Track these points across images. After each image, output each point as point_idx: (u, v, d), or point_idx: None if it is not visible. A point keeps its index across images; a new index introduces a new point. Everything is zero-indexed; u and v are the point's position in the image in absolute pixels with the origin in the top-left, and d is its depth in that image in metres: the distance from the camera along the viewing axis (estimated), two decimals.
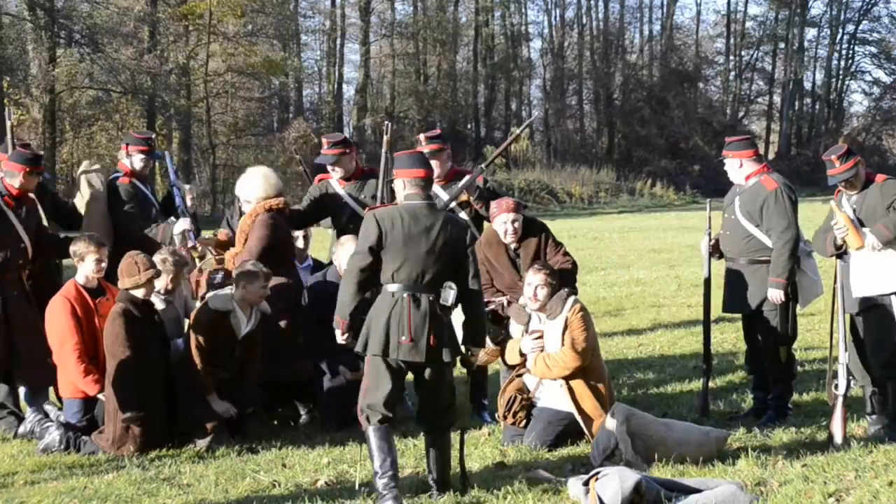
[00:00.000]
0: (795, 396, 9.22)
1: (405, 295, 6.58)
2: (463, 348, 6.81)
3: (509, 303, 8.52)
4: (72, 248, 8.35)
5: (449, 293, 6.58)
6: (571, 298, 8.03)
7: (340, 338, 6.85)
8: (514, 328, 8.29)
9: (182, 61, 44.62)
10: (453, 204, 8.91)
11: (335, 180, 9.25)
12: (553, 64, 63.77)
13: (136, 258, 8.08)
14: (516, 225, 8.55)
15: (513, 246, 8.61)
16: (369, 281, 6.70)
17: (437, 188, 9.01)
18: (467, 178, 8.98)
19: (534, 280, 8.02)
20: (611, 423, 7.27)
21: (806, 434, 8.02)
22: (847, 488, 6.57)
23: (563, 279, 8.27)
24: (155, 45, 43.08)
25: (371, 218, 6.68)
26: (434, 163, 8.97)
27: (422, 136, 9.24)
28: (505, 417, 8.11)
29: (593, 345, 7.99)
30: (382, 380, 6.64)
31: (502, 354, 8.38)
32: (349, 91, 58.67)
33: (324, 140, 9.31)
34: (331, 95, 56.42)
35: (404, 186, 6.76)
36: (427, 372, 6.70)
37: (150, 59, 41.79)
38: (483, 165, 9.30)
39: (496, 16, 61.91)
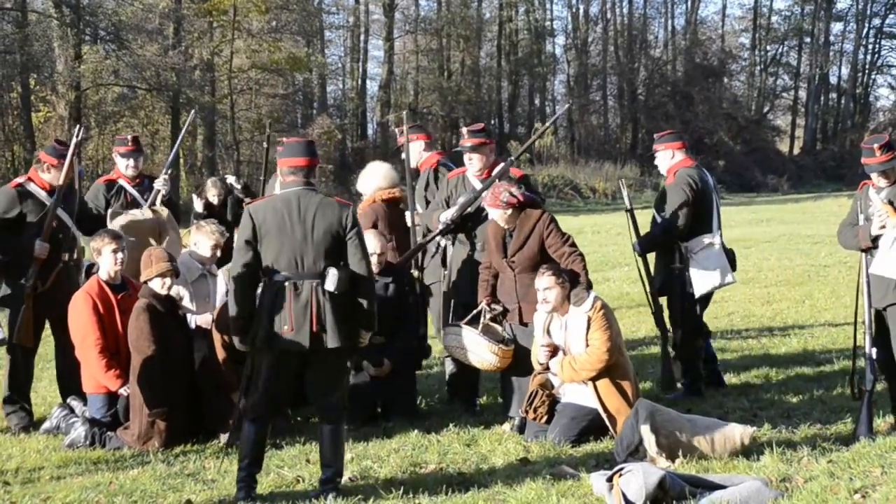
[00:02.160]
0: (821, 392, 9.25)
1: (286, 283, 6.55)
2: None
3: (500, 314, 8.55)
4: (91, 245, 8.42)
5: (330, 278, 6.54)
6: (592, 295, 8.01)
7: (239, 344, 6.76)
8: (538, 332, 8.26)
9: (206, 57, 44.73)
10: (486, 193, 8.87)
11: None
12: (577, 59, 63.66)
13: (152, 251, 8.23)
14: (503, 217, 8.38)
15: (510, 228, 8.49)
16: (256, 276, 6.66)
17: (476, 182, 9.00)
18: (498, 168, 8.94)
19: (541, 283, 8.00)
20: (635, 419, 7.26)
21: (831, 430, 7.98)
22: (873, 484, 6.53)
23: (574, 277, 8.21)
24: (179, 42, 43.21)
25: (245, 212, 6.73)
26: (477, 156, 8.97)
27: (464, 130, 9.19)
28: (526, 412, 8.10)
29: (617, 342, 7.97)
30: (272, 373, 6.65)
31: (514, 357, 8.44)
32: (373, 87, 58.76)
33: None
34: (354, 91, 56.49)
35: (283, 175, 6.77)
36: (314, 359, 6.66)
37: (174, 55, 41.93)
38: (512, 158, 9.26)
39: (520, 11, 61.82)
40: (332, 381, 6.76)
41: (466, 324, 8.53)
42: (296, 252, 6.57)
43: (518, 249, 8.40)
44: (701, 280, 9.31)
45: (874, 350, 7.93)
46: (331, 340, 6.59)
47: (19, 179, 9.12)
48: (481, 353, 8.33)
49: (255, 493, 6.69)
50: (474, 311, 8.60)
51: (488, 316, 8.53)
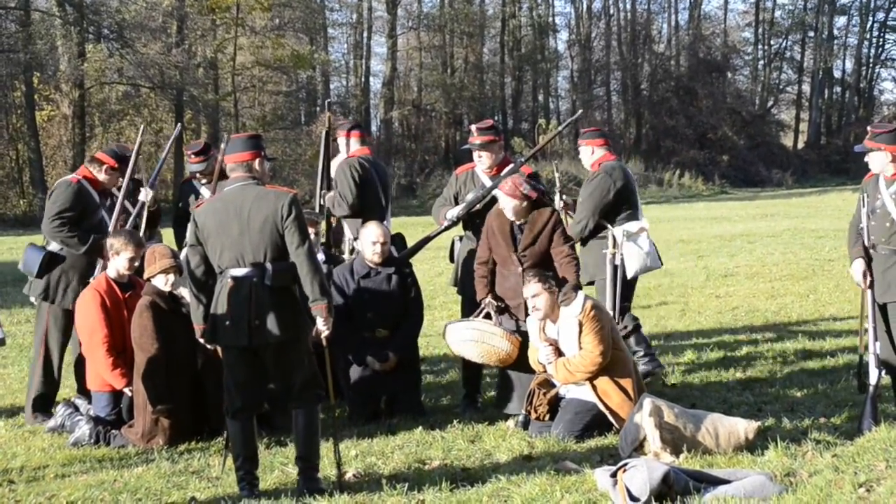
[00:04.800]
0: (825, 386, 9.24)
1: (228, 279, 6.64)
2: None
3: (503, 310, 8.58)
4: (109, 241, 8.42)
5: (266, 273, 6.58)
6: (581, 297, 7.99)
7: (200, 339, 6.96)
8: (532, 335, 8.25)
9: (210, 55, 44.77)
10: (496, 191, 8.88)
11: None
12: (580, 55, 63.64)
13: (155, 248, 8.27)
14: (517, 209, 8.43)
15: (519, 221, 8.53)
16: (208, 276, 6.80)
17: (485, 178, 9.02)
18: (508, 168, 8.96)
19: (528, 291, 8.00)
20: (639, 414, 7.26)
21: (836, 424, 7.97)
22: (878, 478, 6.52)
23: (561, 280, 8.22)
24: (182, 40, 43.25)
25: (192, 215, 6.84)
26: (486, 154, 9.01)
27: (473, 128, 9.21)
28: (528, 412, 8.10)
29: (611, 340, 7.94)
30: (230, 368, 6.78)
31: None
32: (376, 84, 58.76)
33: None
34: (358, 88, 56.49)
35: (228, 171, 6.85)
36: (264, 352, 6.68)
37: (177, 53, 41.96)
38: (522, 160, 9.29)
39: (523, 7, 61.80)
40: (287, 372, 6.75)
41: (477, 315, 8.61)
42: (236, 248, 6.60)
43: (530, 244, 8.42)
44: (633, 262, 9.51)
45: (878, 344, 7.92)
46: (273, 333, 6.60)
47: (76, 176, 9.14)
48: (496, 342, 8.34)
49: (257, 490, 6.70)
50: (480, 309, 8.61)
51: (490, 311, 8.55)
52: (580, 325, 7.86)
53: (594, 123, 61.96)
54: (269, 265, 6.58)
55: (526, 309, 8.40)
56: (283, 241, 6.58)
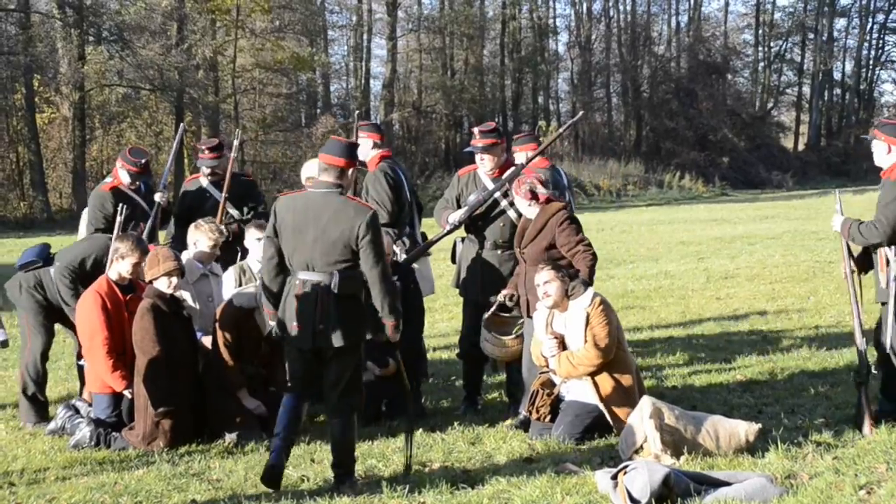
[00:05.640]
0: (825, 388, 9.24)
1: (297, 281, 6.75)
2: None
3: (511, 301, 8.62)
4: (115, 244, 8.39)
5: (334, 280, 6.66)
6: (591, 291, 7.99)
7: (274, 328, 7.03)
8: (538, 329, 8.26)
9: (209, 56, 44.74)
10: (497, 194, 8.88)
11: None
12: (580, 57, 63.66)
13: (158, 251, 8.24)
14: (525, 207, 8.49)
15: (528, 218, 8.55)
16: (281, 267, 6.89)
17: (487, 180, 9.02)
18: (510, 171, 8.97)
19: (540, 278, 7.99)
20: (639, 416, 7.25)
21: (836, 426, 7.96)
22: (878, 480, 6.52)
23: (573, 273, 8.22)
24: (182, 41, 43.21)
25: (273, 205, 6.96)
26: (488, 156, 9.00)
27: (476, 130, 9.21)
28: (529, 412, 8.10)
29: (617, 338, 7.95)
30: (291, 361, 6.96)
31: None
32: (376, 86, 58.73)
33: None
34: (358, 90, 56.47)
35: (318, 170, 6.86)
36: (327, 354, 6.79)
37: (177, 55, 41.92)
38: (523, 162, 9.30)
39: (523, 9, 61.81)
40: (338, 378, 6.83)
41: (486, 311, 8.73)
42: (307, 252, 6.69)
43: (529, 242, 8.42)
44: None
45: (864, 339, 7.92)
46: (336, 340, 6.69)
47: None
48: (483, 341, 8.63)
49: (283, 458, 6.84)
50: (498, 300, 8.69)
51: (494, 308, 8.61)
52: (587, 316, 7.87)
53: (594, 126, 62.22)
54: (337, 273, 6.66)
55: (528, 306, 8.41)
56: (353, 254, 6.66)
